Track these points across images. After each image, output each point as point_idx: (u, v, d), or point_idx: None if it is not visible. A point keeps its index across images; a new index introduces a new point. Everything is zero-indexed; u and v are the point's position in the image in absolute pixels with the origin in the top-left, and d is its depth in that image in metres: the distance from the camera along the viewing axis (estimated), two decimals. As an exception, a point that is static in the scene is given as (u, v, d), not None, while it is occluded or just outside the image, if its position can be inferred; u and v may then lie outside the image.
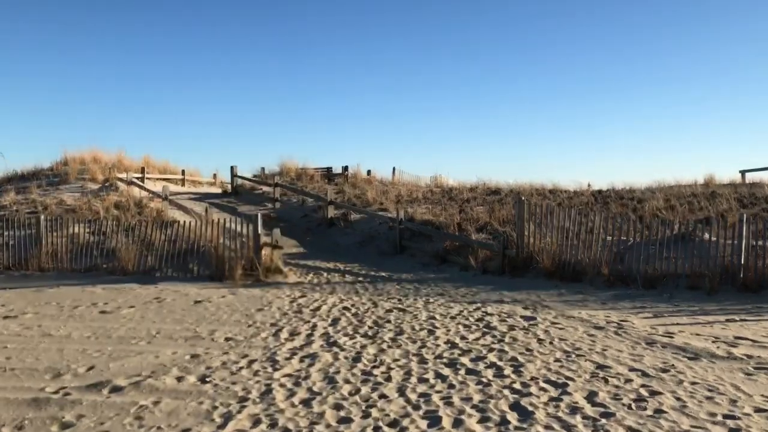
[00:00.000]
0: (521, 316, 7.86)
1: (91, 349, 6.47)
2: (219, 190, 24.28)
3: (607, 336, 6.73)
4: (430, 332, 7.01)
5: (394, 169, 27.07)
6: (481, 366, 5.60)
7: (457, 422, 4.25)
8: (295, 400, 4.77)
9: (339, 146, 74.82)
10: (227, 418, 4.40)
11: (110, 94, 78.54)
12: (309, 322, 7.71)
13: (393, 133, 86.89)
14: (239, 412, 4.51)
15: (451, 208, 16.62)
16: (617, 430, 4.04)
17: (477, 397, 4.74)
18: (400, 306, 8.75)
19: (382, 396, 4.82)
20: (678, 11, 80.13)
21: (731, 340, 6.49)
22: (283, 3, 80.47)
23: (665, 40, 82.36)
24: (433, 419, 4.31)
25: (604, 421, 4.20)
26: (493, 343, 6.47)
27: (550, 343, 6.43)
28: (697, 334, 6.79)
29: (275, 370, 5.58)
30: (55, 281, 11.63)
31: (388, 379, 5.27)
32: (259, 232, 12.18)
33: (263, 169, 24.61)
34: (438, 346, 6.38)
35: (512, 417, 4.32)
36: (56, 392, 5.01)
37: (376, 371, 5.50)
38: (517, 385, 5.01)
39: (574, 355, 5.91)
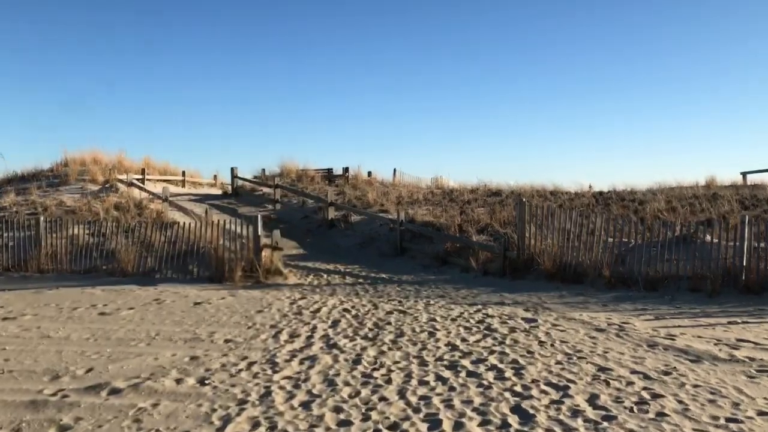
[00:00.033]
0: (522, 318, 7.82)
1: (89, 350, 6.44)
2: (219, 192, 24.25)
3: (608, 338, 6.69)
4: (431, 334, 6.98)
5: (394, 170, 27.09)
6: (481, 368, 5.57)
7: (458, 425, 4.22)
8: (295, 402, 4.73)
9: (339, 147, 74.88)
10: (226, 420, 4.37)
11: (111, 94, 78.62)
12: (309, 323, 7.68)
13: (394, 134, 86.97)
14: (238, 414, 4.48)
15: (451, 210, 16.59)
16: (619, 434, 4.01)
17: (478, 400, 4.71)
18: (400, 308, 8.72)
19: (382, 399, 4.79)
20: (679, 11, 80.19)
21: (733, 343, 6.45)
22: (283, 3, 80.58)
23: (666, 40, 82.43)
24: (434, 422, 4.28)
25: (605, 424, 4.16)
26: (494, 345, 6.44)
27: (552, 345, 6.40)
28: (699, 337, 6.76)
29: (275, 372, 5.55)
30: (55, 283, 11.60)
31: (389, 381, 5.23)
32: (259, 233, 12.15)
33: (264, 170, 24.61)
34: (438, 348, 6.34)
35: (513, 420, 4.29)
36: (54, 394, 4.98)
37: (376, 373, 5.46)
38: (518, 388, 4.98)
39: (575, 358, 5.88)
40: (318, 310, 8.61)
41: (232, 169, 22.48)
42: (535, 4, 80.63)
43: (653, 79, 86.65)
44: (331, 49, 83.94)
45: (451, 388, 5.01)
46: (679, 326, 7.35)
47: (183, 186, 23.85)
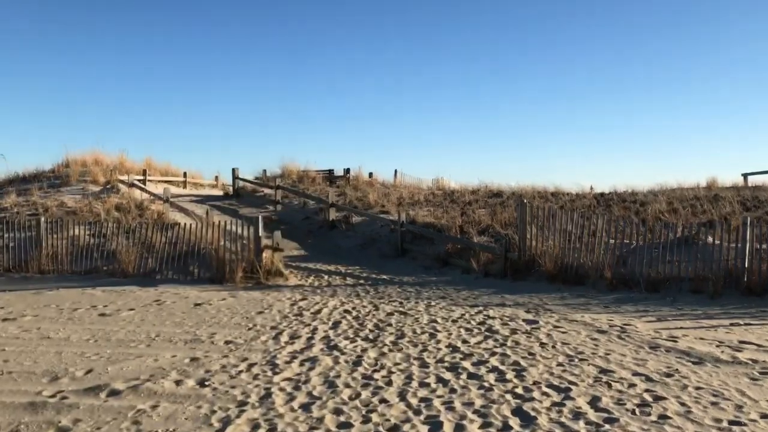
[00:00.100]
0: (523, 320, 7.79)
1: (89, 352, 6.42)
2: (220, 193, 24.24)
3: (610, 340, 6.67)
4: (432, 336, 6.96)
5: (395, 171, 27.09)
6: (482, 370, 5.54)
7: (459, 427, 4.19)
8: (295, 404, 4.71)
9: (340, 148, 74.86)
10: (226, 422, 4.34)
11: (112, 95, 78.73)
12: (309, 325, 7.65)
13: (395, 135, 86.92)
14: (238, 416, 4.46)
15: (452, 211, 16.56)
16: (621, 436, 3.98)
17: (479, 402, 4.68)
18: (401, 309, 8.70)
19: (383, 400, 4.76)
20: (680, 13, 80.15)
21: (735, 345, 6.42)
22: (283, 3, 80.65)
23: (667, 41, 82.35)
24: (435, 424, 4.26)
25: (607, 426, 4.14)
26: (495, 346, 6.41)
27: (553, 347, 6.37)
28: (701, 338, 6.73)
29: (275, 373, 5.53)
30: (55, 283, 11.59)
31: (389, 383, 5.21)
32: (260, 234, 12.13)
33: (265, 171, 24.60)
34: (439, 349, 6.32)
35: (514, 422, 4.26)
36: (53, 396, 4.96)
37: (376, 375, 5.44)
38: (519, 390, 4.95)
39: (576, 360, 5.85)
40: (319, 311, 8.58)
41: (233, 170, 22.48)
42: (536, 4, 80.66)
43: (653, 80, 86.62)
44: (332, 49, 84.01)
45: (452, 390, 4.98)
46: (681, 328, 7.32)
47: (184, 187, 23.84)
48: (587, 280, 10.77)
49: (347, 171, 24.33)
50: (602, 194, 18.25)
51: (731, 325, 7.48)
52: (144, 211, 16.34)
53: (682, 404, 4.56)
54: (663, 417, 4.30)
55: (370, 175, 25.10)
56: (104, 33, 73.10)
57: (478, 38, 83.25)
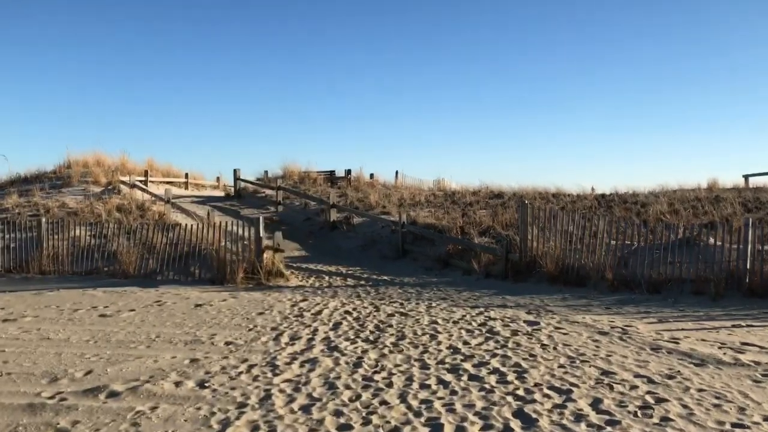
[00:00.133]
0: (524, 321, 7.77)
1: (89, 353, 6.40)
2: (222, 194, 24.23)
3: (611, 341, 6.64)
4: (433, 337, 6.93)
5: (397, 172, 27.09)
6: (483, 372, 5.52)
7: (460, 429, 4.16)
8: (295, 406, 4.69)
9: (342, 149, 74.93)
10: (225, 424, 4.32)
11: (114, 95, 78.82)
12: (310, 326, 7.63)
13: (396, 136, 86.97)
14: (237, 418, 4.43)
15: (453, 212, 16.54)
16: (623, 439, 3.95)
17: (480, 404, 4.66)
18: (402, 310, 8.68)
19: (383, 402, 4.74)
20: (682, 14, 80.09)
21: (738, 346, 6.39)
22: (283, 3, 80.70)
23: (668, 42, 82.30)
24: (435, 426, 4.23)
25: (609, 429, 4.11)
26: (496, 348, 6.39)
27: (554, 348, 6.34)
28: (703, 340, 6.70)
29: (275, 375, 5.51)
30: (56, 284, 11.59)
31: (390, 384, 5.19)
32: (261, 235, 12.12)
33: (266, 172, 24.58)
34: (440, 351, 6.29)
35: (515, 424, 4.24)
36: (52, 397, 4.94)
37: (377, 377, 5.42)
38: (520, 392, 4.93)
39: (578, 361, 5.82)
40: (319, 312, 8.56)
41: (234, 171, 22.45)
42: (537, 4, 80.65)
43: (655, 81, 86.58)
44: (332, 49, 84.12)
45: (453, 392, 4.96)
46: (682, 329, 7.29)
47: (186, 188, 23.84)
48: (588, 282, 10.74)
49: (348, 172, 24.32)
50: (603, 195, 18.22)
51: (733, 326, 7.45)
52: (145, 211, 16.33)
53: (685, 406, 4.53)
54: (665, 419, 4.27)
55: (371, 176, 25.08)
56: (106, 33, 73.21)
57: (479, 38, 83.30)
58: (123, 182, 19.21)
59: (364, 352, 6.31)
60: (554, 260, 11.20)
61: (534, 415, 4.38)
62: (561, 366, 5.67)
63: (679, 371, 5.46)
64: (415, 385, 5.15)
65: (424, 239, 14.62)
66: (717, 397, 4.73)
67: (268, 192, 21.74)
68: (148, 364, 5.92)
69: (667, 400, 4.66)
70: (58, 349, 6.55)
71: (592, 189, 20.96)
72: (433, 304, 9.15)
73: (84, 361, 6.06)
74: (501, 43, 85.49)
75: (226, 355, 6.23)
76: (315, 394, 4.95)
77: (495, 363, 5.80)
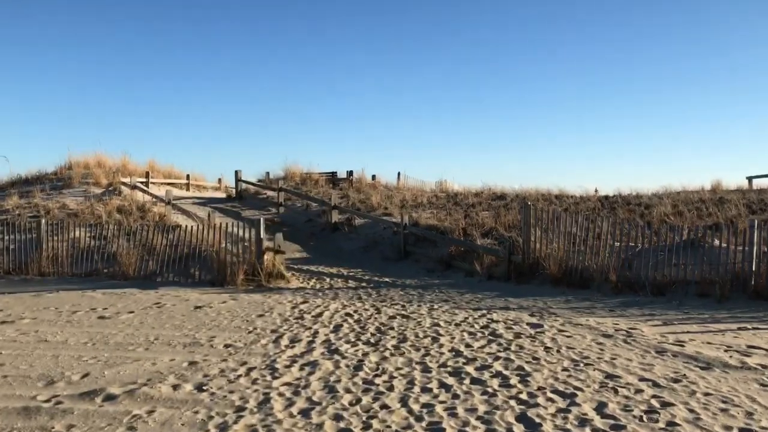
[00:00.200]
0: (527, 324, 7.68)
1: (87, 355, 6.33)
2: (223, 195, 24.19)
3: (615, 344, 6.55)
4: (434, 340, 6.85)
5: (399, 173, 27.02)
6: (486, 375, 5.43)
7: (462, 435, 4.08)
8: (294, 410, 4.61)
9: (343, 150, 74.92)
10: (223, 428, 4.24)
11: (114, 95, 78.91)
12: (310, 328, 7.55)
13: (397, 136, 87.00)
14: (236, 422, 4.36)
15: (456, 213, 16.46)
16: (629, 444, 3.87)
17: (482, 408, 4.57)
18: (403, 312, 8.59)
19: (384, 406, 4.66)
20: (684, 14, 79.95)
21: (744, 349, 6.30)
22: (284, 3, 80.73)
23: (671, 43, 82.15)
24: (437, 431, 4.15)
25: (614, 434, 4.03)
26: (498, 351, 6.30)
27: (558, 351, 6.25)
28: (709, 343, 6.61)
29: (274, 378, 5.43)
30: (55, 286, 11.52)
31: (390, 388, 5.10)
32: (262, 236, 12.04)
33: (268, 173, 24.53)
34: (442, 354, 6.21)
35: (519, 429, 4.15)
36: (48, 401, 4.86)
37: (377, 380, 5.33)
38: (523, 396, 4.84)
39: (582, 364, 5.73)
40: (320, 314, 8.48)
41: (236, 172, 22.40)
42: (540, 5, 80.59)
43: (657, 83, 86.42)
44: (333, 49, 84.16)
45: (455, 396, 4.87)
46: (687, 332, 7.19)
47: (187, 189, 23.79)
48: (592, 284, 10.64)
49: (350, 173, 24.25)
50: (606, 197, 18.11)
51: (739, 329, 7.35)
52: (146, 213, 16.27)
53: (691, 411, 4.44)
54: (671, 424, 4.19)
55: (373, 177, 25.01)
56: (105, 33, 73.30)
57: (479, 38, 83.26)
58: (124, 183, 19.16)
59: (365, 354, 6.23)
60: (557, 262, 11.11)
61: (537, 420, 4.30)
62: (565, 369, 5.58)
63: (684, 375, 5.37)
64: (417, 389, 5.06)
65: (426, 241, 14.54)
66: (724, 401, 4.64)
67: (270, 193, 21.69)
68: (146, 367, 5.85)
69: (673, 404, 4.57)
70: (55, 352, 6.48)
71: (596, 190, 20.86)
72: (435, 307, 9.06)
73: (81, 364, 5.99)
74: (502, 44, 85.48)
75: (225, 358, 6.15)
76: (315, 398, 4.87)
77: (498, 366, 5.71)
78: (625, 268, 10.56)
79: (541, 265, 11.33)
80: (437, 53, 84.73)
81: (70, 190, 18.99)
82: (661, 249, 10.62)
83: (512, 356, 6.07)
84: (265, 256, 11.96)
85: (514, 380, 5.26)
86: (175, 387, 5.19)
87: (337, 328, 7.57)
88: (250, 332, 7.37)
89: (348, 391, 5.05)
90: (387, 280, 12.19)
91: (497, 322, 7.82)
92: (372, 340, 6.86)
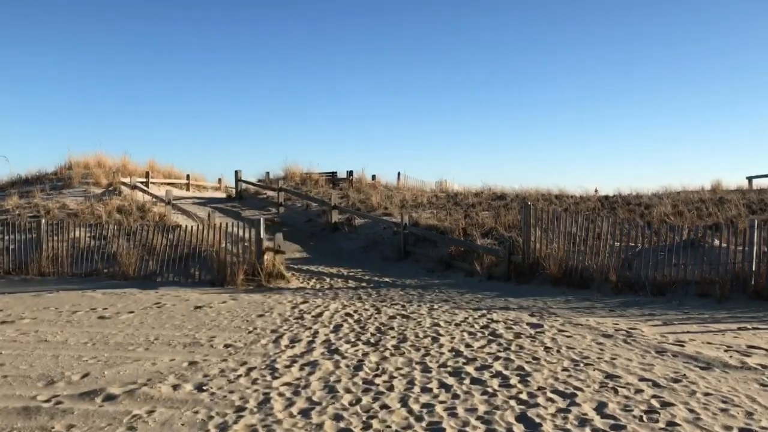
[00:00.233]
0: (527, 324, 7.68)
1: (87, 355, 6.33)
2: (223, 195, 24.19)
3: (615, 344, 6.55)
4: (434, 340, 6.85)
5: (399, 174, 27.01)
6: (486, 375, 5.43)
7: (462, 435, 4.08)
8: (294, 410, 4.61)
9: (343, 150, 74.99)
10: (223, 428, 4.24)
11: (114, 95, 78.91)
12: (310, 328, 7.55)
13: (397, 136, 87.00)
14: (235, 422, 4.35)
15: (456, 213, 16.46)
16: (629, 444, 3.86)
17: (482, 408, 4.57)
18: (403, 312, 8.59)
19: (384, 406, 4.66)
20: (684, 15, 79.94)
21: (744, 350, 6.30)
22: (285, 4, 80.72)
23: (672, 44, 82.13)
24: (437, 431, 4.15)
25: (614, 434, 4.02)
26: (498, 351, 6.30)
27: (558, 351, 6.25)
28: (709, 343, 6.60)
29: (274, 378, 5.43)
30: (55, 286, 11.52)
31: (390, 388, 5.10)
32: (262, 236, 12.04)
33: (268, 173, 24.52)
34: (442, 354, 6.21)
35: (518, 429, 4.15)
36: (48, 401, 4.86)
37: (377, 380, 5.33)
38: (523, 396, 4.84)
39: (582, 364, 5.73)
40: (320, 314, 8.48)
41: (236, 172, 22.40)
42: (538, 5, 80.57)
43: (657, 83, 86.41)
44: (333, 49, 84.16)
45: (455, 396, 4.87)
46: (687, 332, 7.19)
47: (187, 189, 23.79)
48: (592, 284, 10.64)
49: (350, 173, 24.24)
50: (606, 197, 18.10)
51: (739, 329, 7.35)
52: (146, 213, 16.27)
53: (691, 411, 4.44)
54: (671, 424, 4.19)
55: (373, 177, 25.00)
56: (105, 33, 73.30)
57: (479, 38, 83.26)
58: (124, 183, 19.16)
59: (365, 354, 6.23)
60: (557, 262, 11.11)
61: (537, 420, 4.30)
62: (565, 369, 5.58)
63: (684, 375, 5.37)
64: (417, 389, 5.06)
65: (426, 241, 14.54)
66: (724, 401, 4.64)
67: (270, 193, 21.68)
68: (146, 367, 5.85)
69: (673, 405, 4.57)
70: (55, 352, 6.48)
71: (596, 190, 20.86)
72: (435, 306, 9.06)
73: (81, 364, 5.99)
74: (502, 44, 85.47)
75: (225, 358, 6.15)
76: (315, 398, 4.87)
77: (498, 366, 5.71)
78: (625, 268, 10.56)
79: (541, 265, 11.33)
80: (437, 53, 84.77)
81: (70, 190, 18.99)
82: (661, 249, 10.61)
83: (512, 356, 6.07)
84: (265, 256, 11.96)
85: (514, 380, 5.26)
86: (175, 387, 5.19)
87: (337, 328, 7.57)
88: (250, 332, 7.37)
89: (348, 391, 5.05)
90: (387, 280, 12.18)
91: (497, 322, 7.82)
92: (372, 340, 6.86)
